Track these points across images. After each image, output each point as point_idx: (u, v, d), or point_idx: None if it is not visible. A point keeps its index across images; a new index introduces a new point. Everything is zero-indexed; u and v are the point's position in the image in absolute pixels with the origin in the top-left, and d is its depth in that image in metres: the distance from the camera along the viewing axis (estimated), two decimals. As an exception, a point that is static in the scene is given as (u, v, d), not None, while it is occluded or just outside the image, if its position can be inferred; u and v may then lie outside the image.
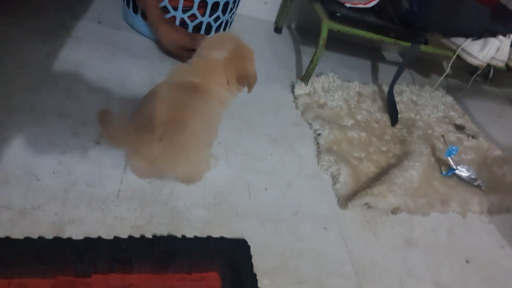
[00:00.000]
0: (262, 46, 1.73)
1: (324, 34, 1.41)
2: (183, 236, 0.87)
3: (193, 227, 0.90)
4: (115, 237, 0.81)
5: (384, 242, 1.06)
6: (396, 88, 1.67)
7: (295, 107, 1.42)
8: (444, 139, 1.47)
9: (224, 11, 1.44)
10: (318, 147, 1.27)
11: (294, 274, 0.89)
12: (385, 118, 1.51)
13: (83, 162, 0.94)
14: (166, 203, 0.93)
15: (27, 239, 0.75)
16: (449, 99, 1.82)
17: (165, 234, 0.86)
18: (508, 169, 1.45)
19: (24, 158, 0.89)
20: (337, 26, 1.42)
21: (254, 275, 0.84)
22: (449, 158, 1.32)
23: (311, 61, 1.46)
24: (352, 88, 1.60)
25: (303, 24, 1.98)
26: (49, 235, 0.78)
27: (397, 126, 1.49)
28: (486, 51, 1.52)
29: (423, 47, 1.53)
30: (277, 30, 1.87)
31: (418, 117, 1.59)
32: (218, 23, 1.45)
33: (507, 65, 1.62)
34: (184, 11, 1.36)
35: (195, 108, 0.87)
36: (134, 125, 0.86)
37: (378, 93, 1.65)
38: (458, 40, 1.57)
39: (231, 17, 1.52)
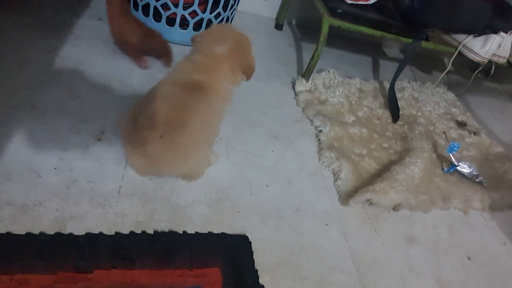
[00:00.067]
0: (262, 42, 1.72)
1: (325, 30, 1.40)
2: (184, 232, 0.87)
3: (194, 223, 0.90)
4: (116, 233, 0.82)
5: (385, 238, 1.06)
6: (397, 85, 1.67)
7: (296, 103, 1.42)
8: (445, 136, 1.47)
9: (225, 8, 1.43)
10: (319, 143, 1.27)
11: (295, 270, 0.89)
12: (386, 114, 1.51)
13: (84, 158, 0.94)
14: (168, 200, 0.93)
15: (29, 235, 0.76)
16: (451, 95, 1.82)
17: (166, 230, 0.86)
18: (510, 166, 1.44)
19: (25, 155, 0.90)
20: (338, 23, 1.41)
21: (255, 271, 0.84)
22: (450, 154, 1.32)
23: (312, 57, 1.46)
24: (353, 85, 1.59)
25: (304, 21, 1.97)
26: (50, 231, 0.78)
27: (399, 122, 1.49)
28: (488, 47, 1.52)
29: (424, 44, 1.53)
30: (278, 26, 1.87)
31: (419, 113, 1.59)
32: (219, 19, 1.45)
33: (508, 61, 1.62)
34: (185, 8, 1.36)
35: (196, 108, 0.87)
36: (135, 124, 0.86)
37: (379, 90, 1.65)
38: (460, 37, 1.56)
39: (232, 13, 1.52)
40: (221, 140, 1.14)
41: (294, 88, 1.48)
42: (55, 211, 0.82)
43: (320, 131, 1.30)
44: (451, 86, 1.89)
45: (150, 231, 0.85)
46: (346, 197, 1.10)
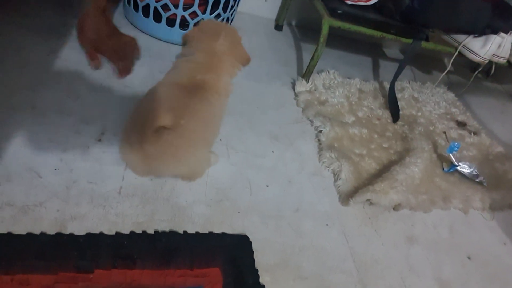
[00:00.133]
0: (262, 43, 1.72)
1: (324, 31, 1.40)
2: (185, 232, 0.87)
3: (194, 223, 0.90)
4: (117, 233, 0.82)
5: (385, 238, 1.06)
6: (397, 85, 1.67)
7: (296, 104, 1.42)
8: (445, 136, 1.47)
9: (225, 9, 1.44)
10: (319, 144, 1.27)
11: (295, 270, 0.90)
12: (386, 114, 1.51)
13: (84, 159, 0.94)
14: (168, 200, 0.93)
15: (29, 235, 0.76)
16: (451, 95, 1.82)
17: (166, 230, 0.86)
18: (510, 166, 1.44)
19: (25, 156, 0.90)
20: (337, 23, 1.42)
21: (255, 271, 0.84)
22: (450, 154, 1.32)
23: (312, 58, 1.46)
24: (353, 85, 1.60)
25: (304, 21, 1.97)
26: (51, 232, 0.78)
27: (399, 122, 1.49)
28: (488, 47, 1.52)
29: (424, 44, 1.53)
30: (278, 27, 1.87)
31: (419, 113, 1.59)
32: (218, 20, 1.45)
33: (508, 61, 1.62)
34: (185, 9, 1.36)
35: (196, 109, 0.87)
36: (133, 124, 0.86)
37: (379, 90, 1.65)
38: (460, 37, 1.57)
39: (232, 14, 1.52)
40: (221, 140, 1.14)
41: (294, 89, 1.48)
42: (56, 211, 0.82)
43: (320, 131, 1.30)
44: (451, 86, 1.89)
45: (150, 231, 0.85)
46: (346, 197, 1.10)
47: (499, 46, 1.53)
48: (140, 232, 0.84)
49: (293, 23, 1.98)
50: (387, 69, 1.88)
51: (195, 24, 1.40)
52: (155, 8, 1.37)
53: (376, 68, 1.88)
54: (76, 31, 1.24)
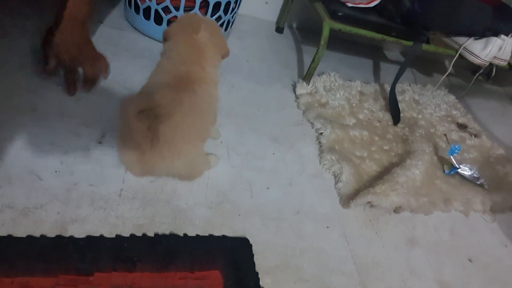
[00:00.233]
0: (263, 46, 1.73)
1: (325, 33, 1.41)
2: (185, 235, 0.87)
3: (195, 226, 0.90)
4: (117, 236, 0.82)
5: (386, 241, 1.06)
6: (398, 87, 1.66)
7: (296, 106, 1.42)
8: (446, 138, 1.47)
9: (225, 11, 1.44)
10: (320, 146, 1.27)
11: (296, 272, 0.89)
12: (387, 117, 1.51)
13: (85, 162, 0.94)
14: (168, 202, 0.93)
15: (30, 238, 0.76)
16: (452, 98, 1.82)
17: (167, 233, 0.86)
18: (511, 168, 1.44)
19: (26, 158, 0.90)
20: (338, 26, 1.42)
21: (256, 274, 0.84)
22: (451, 157, 1.32)
23: (313, 60, 1.46)
24: (354, 87, 1.60)
25: (305, 24, 1.98)
26: (51, 234, 0.78)
27: (399, 125, 1.49)
28: (488, 50, 1.52)
29: (425, 46, 1.53)
30: (279, 30, 1.87)
31: (420, 116, 1.59)
32: (219, 23, 1.45)
33: (509, 64, 1.62)
34: (185, 11, 1.37)
35: (182, 103, 0.88)
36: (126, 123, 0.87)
37: (380, 92, 1.65)
38: (460, 39, 1.57)
39: (232, 17, 1.52)
40: (221, 142, 1.14)
41: (294, 91, 1.48)
42: (56, 214, 0.82)
43: (321, 133, 1.30)
44: (452, 88, 1.89)
45: (151, 233, 0.85)
46: (347, 200, 1.10)
47: (500, 48, 1.53)
48: (141, 234, 0.84)
49: (294, 25, 1.98)
50: (388, 71, 1.88)
51: (168, 21, 1.40)
52: (156, 11, 1.37)
53: (376, 70, 1.88)
54: (43, 38, 1.13)
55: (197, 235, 0.88)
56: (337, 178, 1.17)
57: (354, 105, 1.50)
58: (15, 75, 1.08)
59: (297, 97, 1.46)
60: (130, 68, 1.26)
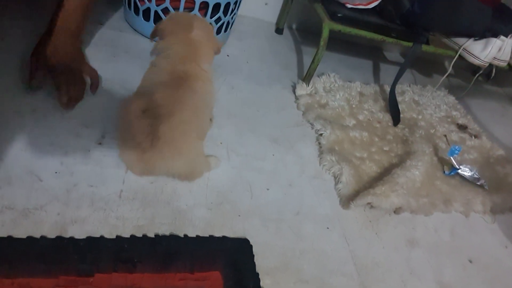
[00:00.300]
0: (263, 47, 1.73)
1: (325, 34, 1.41)
2: (185, 236, 0.87)
3: (195, 227, 0.90)
4: (117, 237, 0.82)
5: (386, 241, 1.06)
6: (398, 88, 1.66)
7: (296, 107, 1.43)
8: (446, 139, 1.47)
9: (225, 12, 1.44)
10: (320, 147, 1.27)
11: (296, 273, 0.89)
12: (387, 118, 1.51)
13: (85, 162, 0.94)
14: (168, 203, 0.93)
15: (30, 239, 0.76)
16: (451, 98, 1.82)
17: (167, 233, 0.86)
18: (511, 169, 1.44)
19: (26, 159, 0.90)
20: (338, 27, 1.42)
21: (256, 275, 0.84)
22: (451, 157, 1.32)
23: (312, 61, 1.46)
24: (354, 88, 1.60)
25: (304, 25, 1.98)
26: (51, 235, 0.78)
27: (399, 126, 1.49)
28: (488, 51, 1.52)
29: (424, 47, 1.53)
30: (278, 30, 1.87)
31: (420, 116, 1.59)
32: (219, 24, 1.45)
33: (509, 64, 1.62)
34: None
35: (183, 101, 0.88)
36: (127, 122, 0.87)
37: (380, 93, 1.65)
38: (460, 40, 1.57)
39: (232, 18, 1.52)
40: (221, 143, 1.14)
41: (294, 92, 1.48)
42: (56, 215, 0.82)
43: (321, 134, 1.30)
44: (451, 89, 1.89)
45: (151, 234, 0.85)
46: (347, 201, 1.10)
47: (500, 49, 1.53)
48: (141, 235, 0.84)
49: (294, 26, 1.98)
50: (388, 72, 1.88)
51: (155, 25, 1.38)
52: (156, 12, 1.37)
53: (376, 71, 1.88)
54: (33, 50, 1.09)
55: (197, 236, 0.88)
56: (337, 179, 1.17)
57: (354, 106, 1.50)
58: (15, 75, 1.08)
59: (297, 98, 1.46)
60: (130, 69, 1.26)
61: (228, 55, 1.56)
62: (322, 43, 1.41)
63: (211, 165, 1.04)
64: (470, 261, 1.10)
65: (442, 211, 1.21)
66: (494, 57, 1.54)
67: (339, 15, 1.44)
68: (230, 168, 1.08)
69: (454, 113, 1.71)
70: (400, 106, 1.55)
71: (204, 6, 1.37)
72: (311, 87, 1.49)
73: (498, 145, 1.61)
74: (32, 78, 1.02)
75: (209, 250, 0.86)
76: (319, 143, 1.28)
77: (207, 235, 0.89)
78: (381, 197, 1.08)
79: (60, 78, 1.02)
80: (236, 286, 0.81)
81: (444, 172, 1.33)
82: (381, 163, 1.28)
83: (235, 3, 1.47)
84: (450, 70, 1.64)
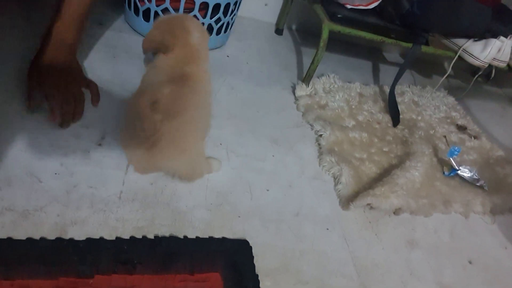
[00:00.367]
0: (263, 47, 1.73)
1: (325, 35, 1.41)
2: (185, 237, 0.87)
3: (195, 228, 0.90)
4: (117, 238, 0.82)
5: (386, 242, 1.06)
6: (398, 89, 1.66)
7: (296, 108, 1.43)
8: (446, 140, 1.47)
9: (225, 13, 1.44)
10: (320, 148, 1.27)
11: (296, 274, 0.89)
12: (386, 119, 1.51)
13: (85, 163, 0.94)
14: (168, 204, 0.93)
15: (30, 240, 0.76)
16: (451, 99, 1.82)
17: (167, 235, 0.86)
18: (511, 170, 1.44)
19: (26, 160, 0.90)
20: (337, 27, 1.42)
21: (256, 276, 0.84)
22: (451, 158, 1.32)
23: (312, 62, 1.46)
24: (353, 89, 1.60)
25: (304, 26, 1.98)
26: (51, 236, 0.78)
27: (399, 126, 1.49)
28: (488, 51, 1.52)
29: (424, 48, 1.53)
30: (278, 31, 1.88)
31: (419, 117, 1.59)
32: (219, 24, 1.45)
33: (508, 65, 1.62)
34: (185, 13, 1.37)
35: (187, 101, 0.88)
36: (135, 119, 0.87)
37: (380, 94, 1.65)
38: (459, 41, 1.57)
39: (232, 18, 1.52)
40: (221, 144, 1.14)
41: (294, 93, 1.48)
42: (56, 216, 0.82)
43: (320, 135, 1.30)
44: (451, 90, 1.89)
45: (150, 236, 0.85)
46: (346, 201, 1.10)
47: (499, 50, 1.53)
48: (141, 237, 0.84)
49: (293, 27, 1.98)
50: (387, 73, 1.88)
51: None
52: (156, 13, 1.37)
53: (376, 72, 1.88)
54: (29, 69, 1.04)
55: (197, 237, 0.88)
56: (336, 180, 1.17)
57: (353, 107, 1.50)
58: (15, 76, 1.08)
59: (296, 98, 1.46)
60: (130, 69, 1.26)
61: (228, 56, 1.56)
62: (321, 44, 1.41)
63: (213, 167, 1.04)
64: (470, 262, 1.10)
65: (442, 212, 1.21)
66: (494, 58, 1.54)
67: (338, 16, 1.44)
68: (230, 169, 1.08)
69: (453, 114, 1.71)
70: (399, 107, 1.55)
71: (204, 7, 1.37)
72: (311, 88, 1.49)
73: (498, 146, 1.61)
74: (30, 100, 0.98)
75: (208, 251, 0.86)
76: (319, 144, 1.28)
77: (207, 236, 0.89)
78: (380, 198, 1.08)
79: (56, 99, 0.97)
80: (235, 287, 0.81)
81: (443, 173, 1.34)
82: (380, 164, 1.28)
83: (235, 3, 1.47)
84: (449, 71, 1.64)
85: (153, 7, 1.36)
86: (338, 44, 1.90)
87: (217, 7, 1.39)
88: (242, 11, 1.77)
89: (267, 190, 1.07)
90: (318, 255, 0.95)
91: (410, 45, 1.52)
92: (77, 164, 0.93)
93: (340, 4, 1.50)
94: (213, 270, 0.82)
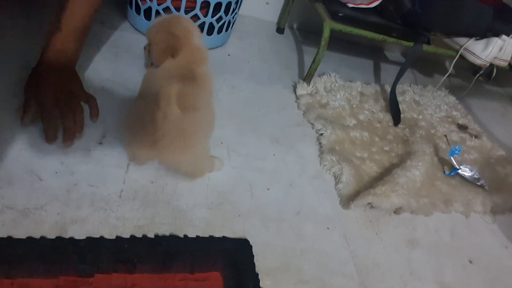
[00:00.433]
0: (264, 46, 1.73)
1: (326, 34, 1.41)
2: (185, 236, 0.87)
3: (195, 227, 0.90)
4: (117, 237, 0.82)
5: (386, 242, 1.06)
6: (399, 88, 1.66)
7: (297, 107, 1.42)
8: (447, 139, 1.47)
9: (226, 12, 1.44)
10: (321, 147, 1.27)
11: (296, 274, 0.89)
12: (387, 118, 1.51)
13: (85, 162, 0.94)
14: (169, 203, 0.93)
15: (30, 239, 0.76)
16: (452, 98, 1.81)
17: (167, 234, 0.86)
18: (511, 169, 1.44)
19: (26, 159, 0.90)
20: (339, 26, 1.42)
21: (256, 275, 0.84)
22: (452, 157, 1.32)
23: (313, 61, 1.46)
24: (354, 88, 1.59)
25: (305, 24, 1.98)
26: (51, 235, 0.78)
27: (400, 126, 1.49)
28: (489, 50, 1.51)
29: (425, 47, 1.53)
30: (279, 30, 1.87)
31: (420, 117, 1.59)
32: (220, 23, 1.45)
33: (510, 64, 1.61)
34: (186, 12, 1.37)
35: (200, 98, 0.88)
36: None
37: (381, 93, 1.65)
38: (461, 40, 1.57)
39: (233, 17, 1.52)
40: (222, 143, 1.14)
41: (295, 92, 1.48)
42: (56, 215, 0.82)
43: (321, 134, 1.30)
44: (452, 89, 1.89)
45: (151, 235, 0.85)
46: (347, 201, 1.10)
47: (501, 49, 1.52)
48: (141, 236, 0.84)
49: (295, 26, 1.98)
50: (388, 72, 1.88)
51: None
52: (157, 11, 1.37)
53: (377, 71, 1.88)
54: (26, 82, 0.99)
55: (197, 236, 0.88)
56: (337, 179, 1.17)
57: (354, 106, 1.49)
58: (15, 75, 1.08)
59: (297, 97, 1.46)
60: (131, 68, 1.26)
61: (229, 55, 1.56)
62: (323, 42, 1.41)
63: (215, 166, 1.04)
64: (470, 262, 1.10)
65: (442, 211, 1.21)
66: (495, 57, 1.54)
67: (340, 14, 1.44)
68: (231, 168, 1.08)
69: (454, 113, 1.71)
70: (400, 106, 1.55)
71: (205, 5, 1.37)
72: (312, 87, 1.49)
73: (499, 145, 1.61)
74: (25, 114, 0.94)
75: (209, 250, 0.86)
76: (320, 143, 1.28)
77: (207, 235, 0.89)
78: (381, 197, 1.08)
79: (53, 116, 0.93)
80: (236, 287, 0.81)
81: (444, 172, 1.33)
82: (381, 163, 1.27)
83: (236, 2, 1.47)
84: (451, 70, 1.64)
85: (154, 6, 1.36)
86: (339, 43, 1.90)
87: (218, 5, 1.39)
88: (244, 9, 1.76)
89: (268, 189, 1.07)
90: (318, 254, 0.95)
91: (411, 44, 1.52)
92: (77, 163, 0.93)
93: (342, 2, 1.50)
94: (213, 269, 0.82)
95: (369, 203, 1.10)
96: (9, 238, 0.75)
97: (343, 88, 1.56)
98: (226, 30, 1.53)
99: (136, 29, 1.47)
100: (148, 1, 1.36)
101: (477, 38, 1.53)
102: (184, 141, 0.87)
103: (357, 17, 1.47)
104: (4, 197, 0.81)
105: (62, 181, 0.88)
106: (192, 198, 0.96)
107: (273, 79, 1.52)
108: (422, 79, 1.97)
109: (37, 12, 1.34)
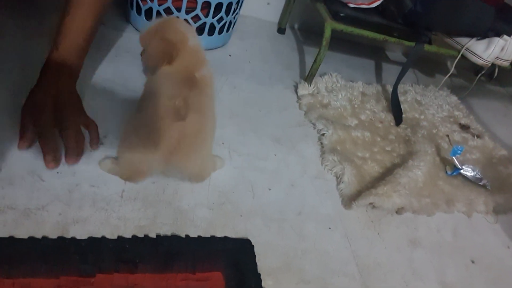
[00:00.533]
0: (265, 46, 1.73)
1: (327, 34, 1.40)
2: (187, 236, 0.87)
3: (196, 227, 0.90)
4: (119, 237, 0.81)
5: (388, 242, 1.05)
6: (400, 88, 1.66)
7: (298, 107, 1.42)
8: (449, 139, 1.47)
9: (227, 12, 1.44)
10: (322, 147, 1.27)
11: (298, 274, 0.89)
12: (389, 118, 1.51)
13: (87, 162, 0.94)
14: (170, 203, 0.93)
15: (31, 239, 0.76)
16: (454, 98, 1.81)
17: (168, 234, 0.86)
18: (514, 169, 1.44)
19: (28, 159, 0.90)
20: (340, 26, 1.42)
21: (258, 275, 0.84)
22: (454, 157, 1.32)
23: (315, 61, 1.46)
24: (356, 88, 1.59)
25: (306, 25, 1.98)
26: (53, 235, 0.78)
27: (402, 125, 1.49)
28: (491, 50, 1.51)
29: (427, 47, 1.53)
30: (280, 30, 1.87)
31: (422, 116, 1.58)
32: (221, 23, 1.45)
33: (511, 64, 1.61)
34: (187, 12, 1.37)
35: (203, 104, 0.88)
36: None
37: (382, 93, 1.65)
38: (462, 40, 1.56)
39: (234, 18, 1.52)
40: (223, 143, 1.14)
41: (296, 92, 1.48)
42: (58, 215, 0.82)
43: (323, 134, 1.30)
44: (454, 89, 1.88)
45: (152, 235, 0.85)
46: (349, 201, 1.10)
47: (502, 49, 1.52)
48: (142, 236, 0.84)
49: (296, 26, 1.98)
50: (390, 72, 1.88)
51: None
52: (158, 12, 1.37)
53: (378, 71, 1.88)
54: (24, 103, 0.95)
55: (199, 236, 0.88)
56: (339, 179, 1.17)
57: (356, 106, 1.49)
58: (16, 75, 1.08)
59: (299, 98, 1.46)
60: (132, 69, 1.26)
61: (230, 55, 1.56)
62: (324, 43, 1.41)
63: (217, 166, 1.04)
64: (473, 262, 1.10)
65: (445, 211, 1.21)
66: (497, 57, 1.54)
67: (341, 14, 1.44)
68: (232, 168, 1.08)
69: (456, 113, 1.71)
70: (402, 106, 1.54)
71: (206, 6, 1.37)
72: (313, 87, 1.49)
73: (501, 145, 1.60)
74: (21, 140, 0.90)
75: (210, 250, 0.86)
76: (321, 143, 1.28)
77: (209, 236, 0.89)
78: (383, 197, 1.08)
79: (51, 141, 0.91)
80: (237, 287, 0.81)
81: (446, 172, 1.33)
82: (383, 163, 1.27)
83: (237, 2, 1.47)
84: (452, 70, 1.64)
85: (155, 6, 1.36)
86: (341, 43, 1.90)
87: (219, 6, 1.39)
88: (245, 10, 1.76)
89: (269, 189, 1.06)
90: (320, 254, 0.95)
91: (413, 44, 1.51)
92: (79, 163, 0.93)
93: (343, 3, 1.50)
94: (215, 269, 0.82)
95: (370, 203, 1.09)
96: (11, 238, 0.75)
97: (345, 88, 1.56)
98: (227, 30, 1.53)
99: (137, 30, 1.47)
100: (149, 1, 1.36)
101: (479, 38, 1.53)
102: (190, 147, 0.87)
103: (358, 17, 1.47)
104: (6, 197, 0.81)
105: (63, 181, 0.88)
106: (193, 198, 0.96)
107: (274, 79, 1.52)
108: (424, 79, 1.97)
109: (37, 12, 1.34)
